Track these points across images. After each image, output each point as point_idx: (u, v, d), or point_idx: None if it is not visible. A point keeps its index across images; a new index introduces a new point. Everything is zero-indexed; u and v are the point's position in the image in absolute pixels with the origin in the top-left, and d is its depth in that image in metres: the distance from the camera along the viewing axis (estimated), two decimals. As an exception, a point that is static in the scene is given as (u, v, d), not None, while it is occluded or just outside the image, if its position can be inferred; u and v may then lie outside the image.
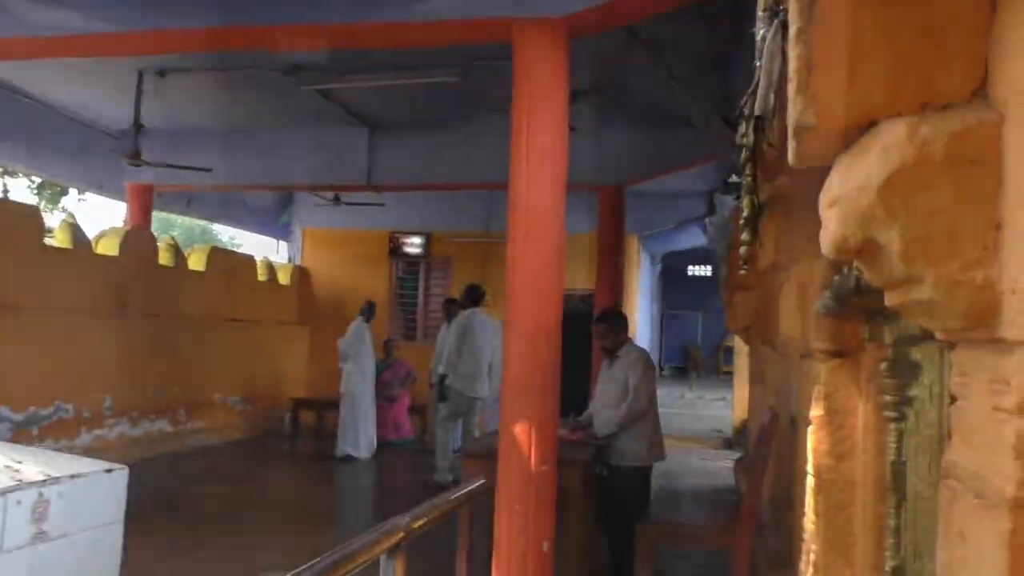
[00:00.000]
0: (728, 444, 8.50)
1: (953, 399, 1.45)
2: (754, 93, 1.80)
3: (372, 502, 7.29)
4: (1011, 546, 1.09)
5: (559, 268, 3.71)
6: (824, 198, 1.41)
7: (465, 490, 1.84)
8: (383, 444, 9.07)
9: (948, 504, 1.38)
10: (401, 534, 1.45)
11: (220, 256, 10.25)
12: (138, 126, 7.11)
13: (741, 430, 8.53)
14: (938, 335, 1.37)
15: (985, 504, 1.18)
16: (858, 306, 2.47)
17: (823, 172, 1.77)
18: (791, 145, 1.52)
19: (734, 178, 11.92)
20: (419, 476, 7.48)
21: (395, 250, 11.73)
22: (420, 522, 1.54)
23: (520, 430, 3.40)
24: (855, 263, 2.17)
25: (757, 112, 1.62)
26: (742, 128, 1.86)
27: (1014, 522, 1.09)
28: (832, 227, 1.40)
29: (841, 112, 1.32)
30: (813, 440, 2.95)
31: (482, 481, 2.13)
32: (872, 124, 1.28)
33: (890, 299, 1.41)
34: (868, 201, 1.26)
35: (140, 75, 6.68)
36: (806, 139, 1.42)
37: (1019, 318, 1.07)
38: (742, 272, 2.87)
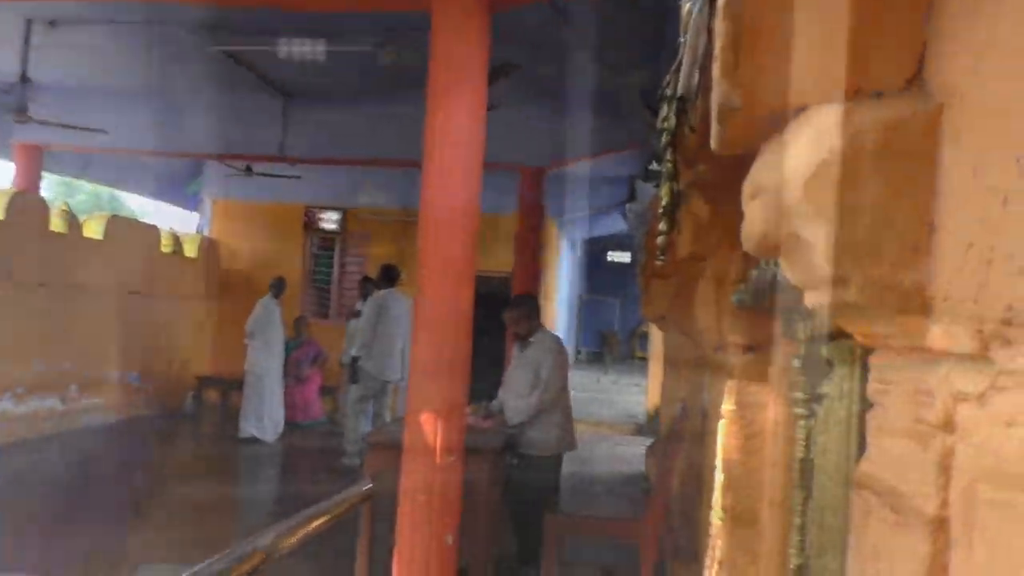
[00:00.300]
0: (641, 430, 8.57)
1: (868, 404, 1.38)
2: (677, 72, 1.69)
3: (272, 488, 7.01)
4: (930, 571, 1.01)
5: (472, 250, 3.57)
6: (747, 188, 1.31)
7: (346, 496, 1.66)
8: (292, 426, 8.78)
9: (861, 516, 1.31)
10: (260, 556, 1.26)
11: (120, 225, 9.66)
12: (25, 80, 6.55)
13: (654, 416, 8.64)
14: (858, 339, 1.29)
15: (903, 522, 1.10)
16: (773, 301, 2.42)
17: (745, 160, 1.66)
18: (714, 130, 1.41)
19: (655, 165, 12.01)
20: (326, 460, 7.25)
21: (310, 225, 11.35)
22: (289, 539, 1.36)
23: (426, 418, 3.26)
24: (774, 259, 2.10)
25: (680, 92, 1.50)
26: (663, 110, 1.75)
27: (934, 545, 1.02)
28: (754, 220, 1.30)
29: (769, 95, 1.21)
30: (723, 435, 2.91)
31: (369, 486, 1.96)
32: (802, 110, 1.18)
33: (810, 299, 1.32)
34: (793, 194, 1.17)
35: (28, 24, 6.14)
36: (730, 123, 1.31)
37: (950, 327, 0.99)
38: (658, 262, 2.78)
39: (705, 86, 1.58)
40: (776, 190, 1.17)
